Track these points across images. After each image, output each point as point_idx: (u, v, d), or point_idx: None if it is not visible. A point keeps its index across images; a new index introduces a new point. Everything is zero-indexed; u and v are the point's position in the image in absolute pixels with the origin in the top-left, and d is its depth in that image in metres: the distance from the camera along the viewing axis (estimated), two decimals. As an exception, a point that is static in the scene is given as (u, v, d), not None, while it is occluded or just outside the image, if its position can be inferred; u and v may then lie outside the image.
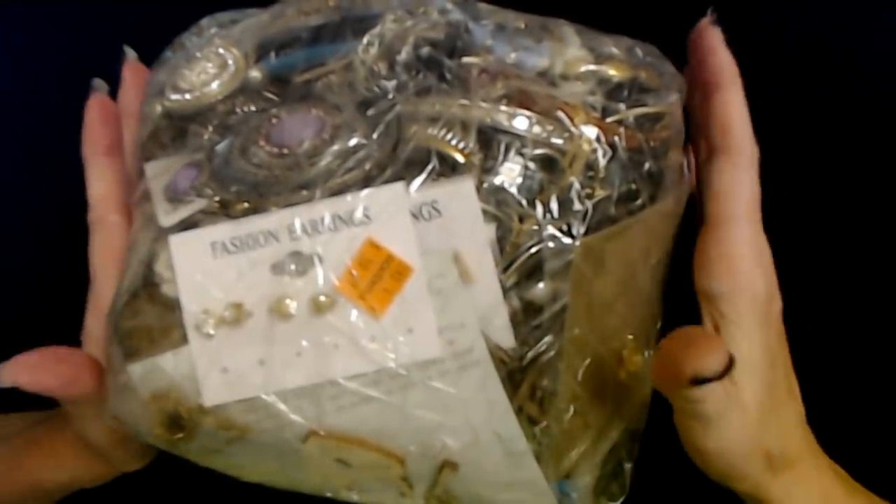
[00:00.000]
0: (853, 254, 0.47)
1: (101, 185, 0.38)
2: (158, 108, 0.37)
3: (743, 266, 0.35)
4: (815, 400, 0.37)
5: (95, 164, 0.39)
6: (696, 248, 0.36)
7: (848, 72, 0.47)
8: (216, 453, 0.34)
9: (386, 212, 0.32)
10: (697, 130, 0.38)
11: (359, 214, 0.33)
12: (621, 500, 0.37)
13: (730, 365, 0.31)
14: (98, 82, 0.39)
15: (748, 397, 0.35)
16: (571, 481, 0.36)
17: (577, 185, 0.33)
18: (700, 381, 0.31)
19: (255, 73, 0.37)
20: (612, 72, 0.36)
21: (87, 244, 0.38)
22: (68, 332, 0.37)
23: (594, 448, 0.36)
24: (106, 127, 0.39)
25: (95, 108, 0.39)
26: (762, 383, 0.35)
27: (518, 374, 0.33)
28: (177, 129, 0.37)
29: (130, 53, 0.40)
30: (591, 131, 0.34)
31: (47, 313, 0.47)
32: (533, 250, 0.33)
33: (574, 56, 0.36)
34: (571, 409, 0.34)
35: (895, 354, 0.46)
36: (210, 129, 0.36)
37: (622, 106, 0.35)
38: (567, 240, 0.33)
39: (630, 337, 0.36)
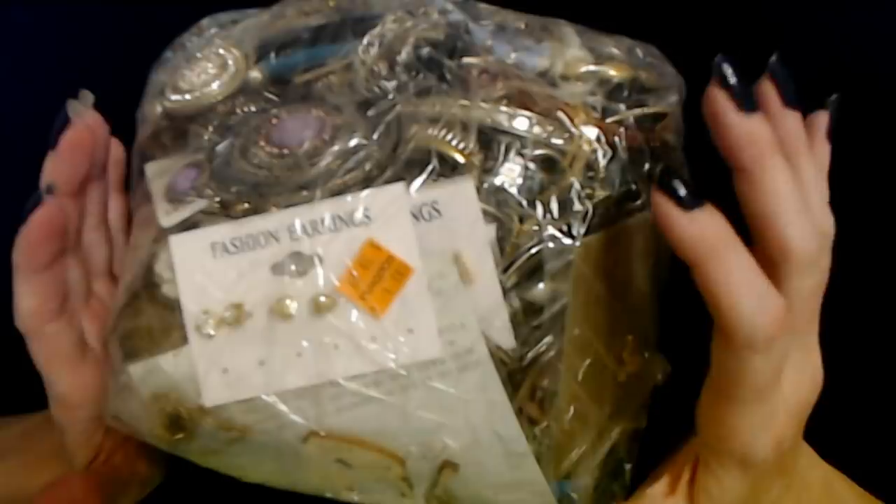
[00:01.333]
0: (858, 255, 0.47)
1: (32, 300, 0.34)
2: (158, 109, 0.37)
3: (736, 441, 0.32)
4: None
5: (27, 280, 0.34)
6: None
7: (863, 77, 0.46)
8: (216, 454, 0.35)
9: (386, 212, 0.32)
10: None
11: (359, 215, 0.33)
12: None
13: None
14: (48, 185, 0.34)
15: None
16: (572, 482, 0.36)
17: (577, 186, 0.33)
18: None
19: (256, 74, 0.37)
20: (613, 72, 0.36)
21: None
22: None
23: (594, 448, 0.36)
24: (50, 242, 0.34)
25: (43, 219, 0.33)
26: None
27: (518, 375, 0.33)
28: (177, 129, 0.37)
29: (81, 104, 0.36)
30: (591, 132, 0.34)
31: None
32: (533, 251, 0.33)
33: (574, 56, 0.36)
34: (571, 409, 0.34)
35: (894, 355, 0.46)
36: (210, 129, 0.36)
37: (622, 106, 0.35)
38: (567, 240, 0.33)
39: (630, 337, 0.36)
